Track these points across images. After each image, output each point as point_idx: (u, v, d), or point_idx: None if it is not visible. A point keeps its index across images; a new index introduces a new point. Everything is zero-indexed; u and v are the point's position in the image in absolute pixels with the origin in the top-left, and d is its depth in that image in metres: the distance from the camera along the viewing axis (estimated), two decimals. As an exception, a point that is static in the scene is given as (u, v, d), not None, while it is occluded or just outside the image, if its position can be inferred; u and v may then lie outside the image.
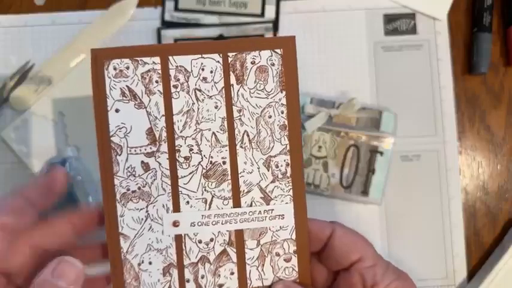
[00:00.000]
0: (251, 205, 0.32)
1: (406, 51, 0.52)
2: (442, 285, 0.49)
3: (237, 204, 0.32)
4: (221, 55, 0.31)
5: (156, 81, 0.31)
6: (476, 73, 0.51)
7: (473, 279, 0.49)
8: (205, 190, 0.32)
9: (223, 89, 0.31)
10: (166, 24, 0.52)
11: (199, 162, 0.32)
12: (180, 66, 0.31)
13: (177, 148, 0.31)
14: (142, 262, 0.32)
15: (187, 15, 0.52)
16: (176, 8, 0.52)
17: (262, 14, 0.52)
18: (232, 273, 0.32)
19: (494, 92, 0.51)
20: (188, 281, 0.32)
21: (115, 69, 0.31)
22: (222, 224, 0.32)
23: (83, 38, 0.51)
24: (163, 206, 0.32)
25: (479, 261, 0.50)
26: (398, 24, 0.52)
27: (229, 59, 0.31)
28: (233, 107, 0.32)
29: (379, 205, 0.50)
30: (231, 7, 0.52)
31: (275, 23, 0.51)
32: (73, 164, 0.47)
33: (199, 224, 0.32)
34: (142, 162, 0.31)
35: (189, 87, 0.31)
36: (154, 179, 0.32)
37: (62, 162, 0.47)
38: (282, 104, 0.32)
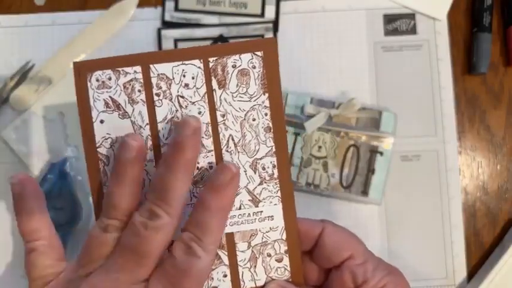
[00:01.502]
0: (240, 208, 0.32)
1: (406, 51, 0.52)
2: (442, 285, 0.49)
3: None
4: (202, 61, 0.31)
5: (139, 90, 0.31)
6: (476, 73, 0.51)
7: (473, 279, 0.49)
8: (194, 196, 0.32)
9: (206, 95, 0.31)
10: (167, 25, 0.52)
11: None
12: (161, 74, 0.31)
13: None
14: None
15: (188, 15, 0.52)
16: (176, 8, 0.52)
17: (262, 14, 0.52)
18: (225, 276, 0.32)
19: (494, 92, 0.51)
20: None
21: (97, 80, 0.31)
22: None
23: (83, 38, 0.51)
24: None
25: (479, 261, 0.50)
26: (398, 24, 0.52)
27: (210, 64, 0.31)
28: (216, 111, 0.32)
29: (379, 205, 0.50)
30: (231, 7, 0.52)
31: (275, 23, 0.52)
32: (73, 164, 0.48)
33: None
34: None
35: (171, 94, 0.31)
36: (142, 188, 0.31)
37: (62, 162, 0.47)
38: (265, 106, 0.32)
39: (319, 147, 0.49)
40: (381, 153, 0.49)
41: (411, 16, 0.52)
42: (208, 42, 0.51)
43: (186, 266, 0.28)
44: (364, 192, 0.49)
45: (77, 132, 0.48)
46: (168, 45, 0.51)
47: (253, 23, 0.51)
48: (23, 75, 0.50)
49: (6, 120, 0.50)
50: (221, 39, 0.51)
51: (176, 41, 0.51)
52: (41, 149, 0.50)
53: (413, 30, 0.52)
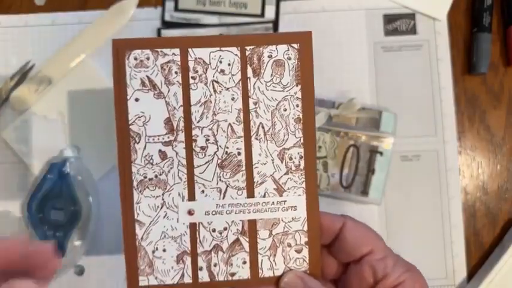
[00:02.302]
0: (264, 196, 0.32)
1: (406, 51, 0.52)
2: (442, 285, 0.49)
3: (250, 194, 0.32)
4: (239, 48, 0.32)
5: (176, 72, 0.32)
6: (476, 73, 0.51)
7: (473, 279, 0.49)
8: (220, 180, 0.32)
9: (240, 82, 0.32)
10: (167, 25, 0.52)
11: (215, 152, 0.32)
12: (198, 58, 0.32)
13: (193, 138, 0.32)
14: (157, 249, 0.32)
15: (188, 15, 0.52)
16: (176, 8, 0.52)
17: (262, 14, 0.52)
18: (244, 262, 0.33)
19: (494, 92, 0.51)
20: (201, 269, 0.32)
21: (135, 59, 0.32)
22: (235, 213, 0.32)
23: (83, 38, 0.51)
24: (179, 194, 0.32)
25: (479, 261, 0.50)
26: (398, 24, 0.52)
27: (247, 53, 0.32)
28: (249, 99, 0.32)
29: (379, 205, 0.50)
30: (231, 7, 0.52)
31: (275, 23, 0.51)
32: (73, 164, 0.48)
33: (214, 213, 0.32)
34: (159, 150, 0.32)
35: (207, 79, 0.32)
36: (171, 168, 0.32)
37: (62, 162, 0.47)
38: (297, 97, 0.32)
39: (319, 147, 0.49)
40: (381, 153, 0.49)
41: (411, 16, 0.52)
42: (208, 42, 0.51)
43: None
44: (364, 192, 0.49)
45: (77, 132, 0.48)
46: (168, 45, 0.51)
47: (253, 23, 0.51)
48: (23, 75, 0.50)
49: (6, 120, 0.50)
50: (221, 39, 0.51)
51: (176, 41, 0.51)
52: (41, 149, 0.50)
53: (413, 30, 0.52)
